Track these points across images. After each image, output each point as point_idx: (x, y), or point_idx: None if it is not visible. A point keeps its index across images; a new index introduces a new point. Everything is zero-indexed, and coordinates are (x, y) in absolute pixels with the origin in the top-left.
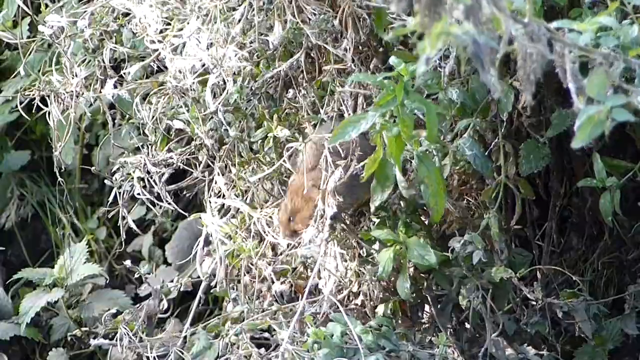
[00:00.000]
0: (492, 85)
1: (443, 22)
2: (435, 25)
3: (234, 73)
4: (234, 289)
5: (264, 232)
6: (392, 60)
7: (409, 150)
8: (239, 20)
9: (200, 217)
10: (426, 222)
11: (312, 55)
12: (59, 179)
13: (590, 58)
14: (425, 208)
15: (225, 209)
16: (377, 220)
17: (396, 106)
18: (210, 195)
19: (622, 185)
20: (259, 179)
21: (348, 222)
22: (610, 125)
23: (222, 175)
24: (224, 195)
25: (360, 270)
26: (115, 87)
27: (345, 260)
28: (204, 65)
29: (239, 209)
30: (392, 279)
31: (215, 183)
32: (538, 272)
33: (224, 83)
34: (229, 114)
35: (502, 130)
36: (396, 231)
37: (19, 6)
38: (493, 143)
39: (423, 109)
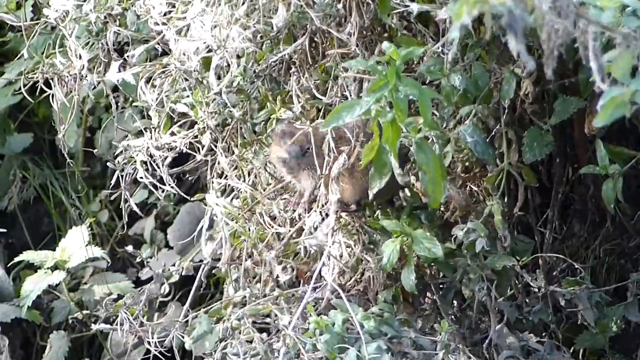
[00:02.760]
0: (524, 56)
1: None
2: None
3: (238, 55)
4: (236, 270)
5: (268, 215)
6: (384, 45)
7: (408, 137)
8: (243, 2)
9: (203, 199)
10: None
11: (315, 39)
12: (67, 159)
13: (610, 37)
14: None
15: (229, 191)
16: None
17: (389, 91)
18: (213, 176)
19: (625, 173)
20: (262, 161)
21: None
22: (633, 108)
23: (225, 156)
24: (226, 176)
25: (363, 257)
26: (119, 70)
27: (349, 247)
28: (208, 47)
29: (241, 190)
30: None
31: (218, 164)
32: (540, 259)
33: (228, 65)
34: (232, 94)
35: (505, 117)
36: (401, 222)
37: None
38: (495, 130)
39: (416, 93)
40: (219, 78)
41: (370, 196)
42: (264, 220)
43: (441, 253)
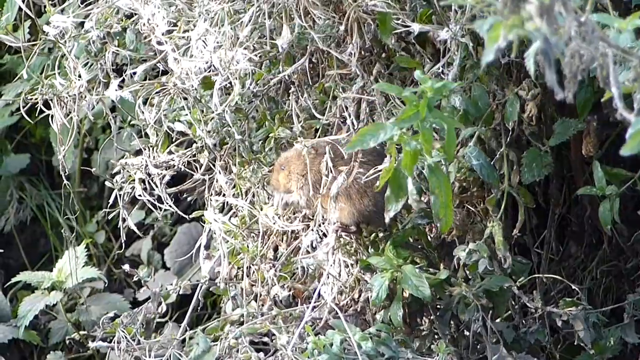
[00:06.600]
0: (554, 85)
1: (520, 16)
2: (512, 18)
3: (242, 76)
4: (234, 288)
5: (272, 223)
6: (417, 75)
7: (420, 160)
8: (247, 24)
9: (201, 216)
10: (421, 242)
11: (314, 60)
12: (64, 181)
13: (627, 59)
14: (420, 226)
15: (227, 209)
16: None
17: (418, 121)
18: (211, 194)
19: (622, 194)
20: (259, 179)
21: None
22: None
23: (223, 175)
24: (224, 194)
25: (362, 277)
26: (117, 88)
27: (347, 266)
28: (209, 67)
29: (239, 208)
30: (392, 286)
31: (217, 182)
32: (537, 280)
33: (230, 85)
34: (231, 113)
35: (507, 138)
36: (391, 252)
37: (20, 9)
38: (498, 152)
39: (444, 126)
40: (219, 96)
41: (387, 220)
42: (271, 223)
43: (428, 293)
